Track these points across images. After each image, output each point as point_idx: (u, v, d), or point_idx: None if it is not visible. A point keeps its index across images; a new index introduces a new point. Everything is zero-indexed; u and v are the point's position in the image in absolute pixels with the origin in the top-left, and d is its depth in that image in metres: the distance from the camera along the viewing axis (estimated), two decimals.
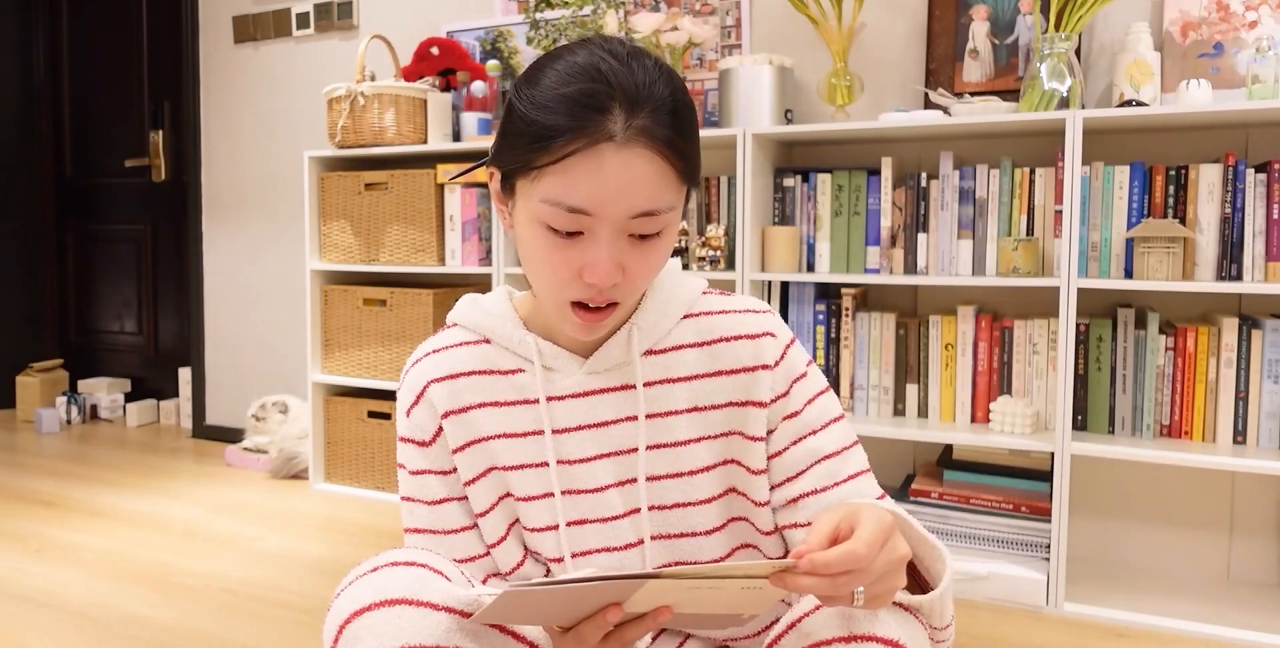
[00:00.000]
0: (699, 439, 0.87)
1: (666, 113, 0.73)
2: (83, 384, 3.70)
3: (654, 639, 0.93)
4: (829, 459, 0.87)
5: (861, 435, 2.05)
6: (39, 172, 3.94)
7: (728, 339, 0.88)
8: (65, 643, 1.65)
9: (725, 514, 0.90)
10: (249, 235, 3.24)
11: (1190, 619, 1.73)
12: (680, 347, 0.88)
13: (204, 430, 3.36)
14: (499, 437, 0.88)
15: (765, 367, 0.87)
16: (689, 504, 0.88)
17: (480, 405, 0.88)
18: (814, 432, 0.87)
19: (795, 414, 0.87)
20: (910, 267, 2.02)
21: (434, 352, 0.91)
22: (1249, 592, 1.88)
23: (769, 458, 0.88)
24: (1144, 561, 2.00)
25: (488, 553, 0.90)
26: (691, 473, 0.87)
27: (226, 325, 3.32)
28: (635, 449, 0.87)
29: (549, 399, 0.87)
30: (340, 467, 2.69)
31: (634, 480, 0.87)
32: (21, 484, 2.72)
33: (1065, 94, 1.86)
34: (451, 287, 2.61)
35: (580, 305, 0.78)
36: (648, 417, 0.87)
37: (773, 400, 0.87)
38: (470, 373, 0.89)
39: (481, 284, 2.68)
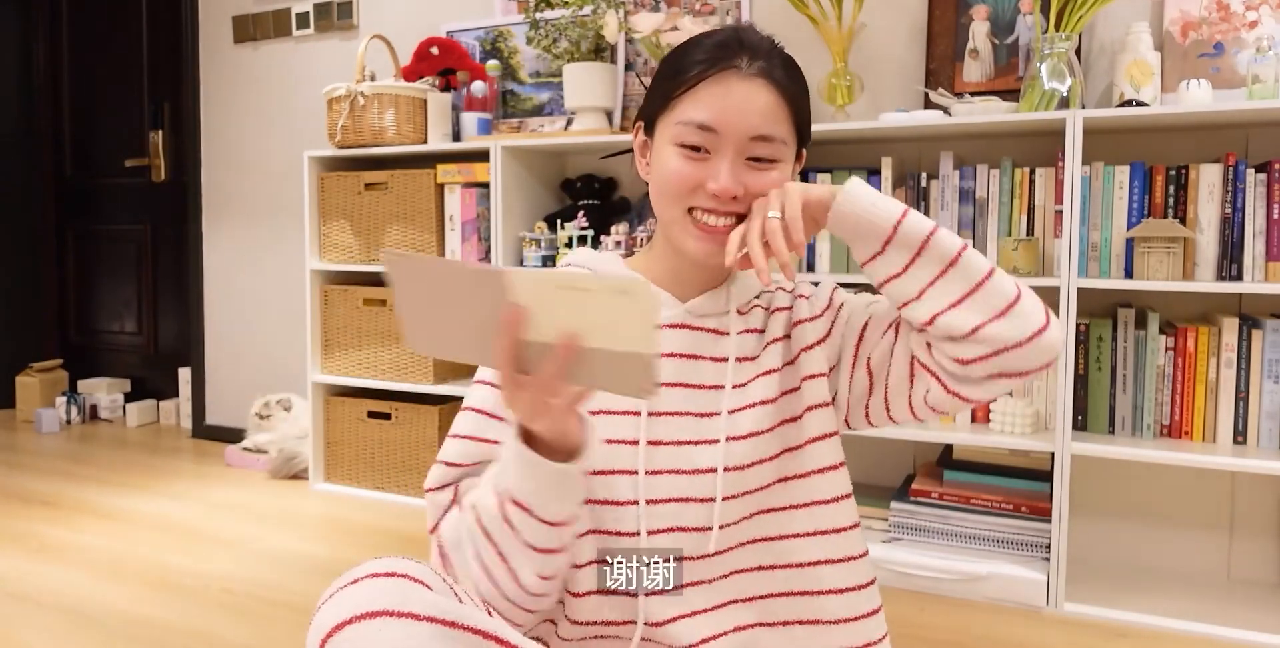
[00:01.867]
0: (769, 372, 0.96)
1: (783, 67, 0.90)
2: (83, 384, 3.70)
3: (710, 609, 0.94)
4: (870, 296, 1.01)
5: (861, 436, 2.05)
6: (39, 172, 3.94)
7: (780, 309, 1.00)
8: (65, 643, 1.65)
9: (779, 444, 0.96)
10: (249, 235, 3.24)
11: (1190, 619, 1.73)
12: (756, 306, 1.00)
13: (204, 430, 3.36)
14: None
15: (805, 320, 0.98)
16: (757, 434, 0.94)
17: None
18: (858, 304, 1.00)
19: (836, 317, 0.99)
20: None
21: None
22: (1249, 592, 1.88)
23: (849, 366, 0.97)
24: (1144, 561, 2.00)
25: None
26: (762, 403, 0.95)
27: (226, 325, 3.32)
28: (719, 386, 0.95)
29: None
30: (340, 467, 2.69)
31: (715, 414, 0.94)
32: (21, 484, 2.72)
33: (1065, 94, 1.86)
34: None
35: (700, 222, 0.89)
36: (737, 360, 0.96)
37: (820, 340, 0.97)
38: None
39: None
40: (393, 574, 0.74)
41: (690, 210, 0.90)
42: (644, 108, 0.95)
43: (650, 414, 0.92)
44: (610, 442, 0.91)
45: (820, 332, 0.98)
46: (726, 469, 0.92)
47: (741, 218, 0.90)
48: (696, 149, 0.88)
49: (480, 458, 0.92)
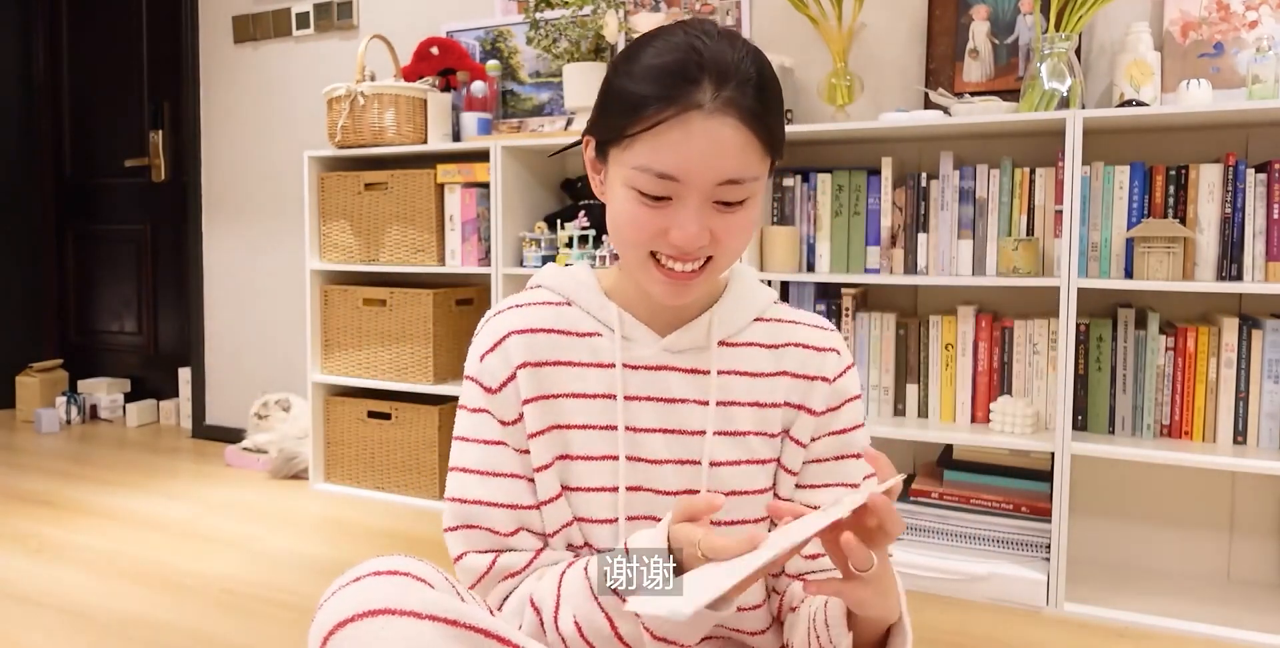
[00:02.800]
0: (758, 433, 0.91)
1: (753, 87, 0.78)
2: (83, 384, 3.70)
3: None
4: (847, 487, 0.92)
5: None
6: (39, 172, 3.94)
7: (795, 345, 0.93)
8: (65, 643, 1.65)
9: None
10: (249, 235, 3.24)
11: (1190, 619, 1.73)
12: (751, 344, 0.93)
13: (204, 430, 3.36)
14: (569, 396, 0.90)
15: (824, 379, 0.92)
16: (744, 493, 0.90)
17: (555, 363, 0.90)
18: (855, 456, 0.93)
19: (843, 432, 0.93)
20: (910, 267, 2.02)
21: (517, 306, 0.94)
22: (1249, 592, 1.88)
23: (805, 463, 0.93)
24: (1144, 561, 2.00)
25: (534, 506, 0.89)
26: (749, 462, 0.91)
27: (226, 325, 3.32)
28: (697, 432, 0.90)
29: (624, 366, 0.90)
30: (340, 467, 2.69)
31: (695, 462, 0.90)
32: (21, 484, 2.72)
33: (1065, 94, 1.86)
34: (451, 287, 2.61)
35: (665, 268, 0.82)
36: (717, 404, 0.90)
37: (824, 412, 0.92)
38: (550, 330, 0.91)
39: (481, 284, 2.68)
40: (395, 572, 0.74)
41: (653, 253, 0.82)
42: (594, 128, 0.85)
43: (629, 459, 0.89)
44: (589, 490, 0.89)
45: (819, 405, 0.92)
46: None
47: (710, 259, 0.82)
48: (657, 198, 0.79)
49: (496, 490, 0.90)
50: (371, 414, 2.62)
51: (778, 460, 0.92)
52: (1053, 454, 1.82)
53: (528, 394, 0.89)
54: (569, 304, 0.93)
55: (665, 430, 0.90)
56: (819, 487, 0.92)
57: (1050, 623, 1.77)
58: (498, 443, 0.90)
